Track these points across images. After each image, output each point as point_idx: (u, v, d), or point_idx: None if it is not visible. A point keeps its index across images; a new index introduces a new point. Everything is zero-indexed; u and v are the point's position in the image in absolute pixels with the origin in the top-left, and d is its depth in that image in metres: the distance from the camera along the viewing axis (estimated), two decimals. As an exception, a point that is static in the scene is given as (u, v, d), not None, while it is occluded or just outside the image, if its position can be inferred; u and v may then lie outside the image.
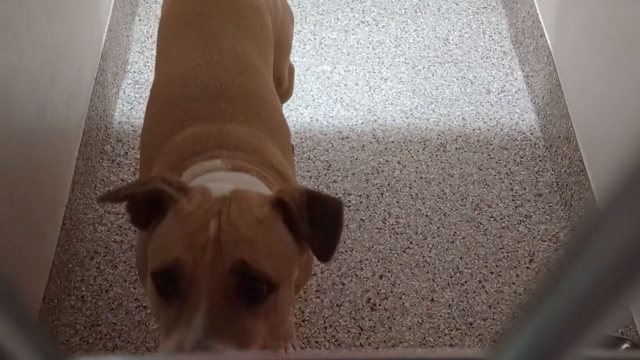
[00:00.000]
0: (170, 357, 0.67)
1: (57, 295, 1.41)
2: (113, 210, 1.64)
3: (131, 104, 1.90)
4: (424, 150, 1.82)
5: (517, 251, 1.60)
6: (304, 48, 2.08)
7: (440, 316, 1.48)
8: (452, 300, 1.51)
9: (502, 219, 1.67)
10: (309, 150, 1.79)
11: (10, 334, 0.20)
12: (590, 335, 0.20)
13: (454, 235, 1.63)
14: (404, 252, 1.59)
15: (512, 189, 1.74)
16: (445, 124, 1.89)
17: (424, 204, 1.69)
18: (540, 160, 1.81)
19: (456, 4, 2.27)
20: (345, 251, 1.58)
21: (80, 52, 1.63)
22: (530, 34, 2.02)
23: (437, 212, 1.67)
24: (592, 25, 1.61)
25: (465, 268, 1.57)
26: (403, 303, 1.50)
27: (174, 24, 1.22)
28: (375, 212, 1.66)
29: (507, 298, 1.52)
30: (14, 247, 1.23)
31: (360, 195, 1.70)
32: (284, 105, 1.65)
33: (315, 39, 2.13)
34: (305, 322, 1.46)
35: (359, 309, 1.48)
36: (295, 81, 1.67)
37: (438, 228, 1.64)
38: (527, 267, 1.57)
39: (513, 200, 1.71)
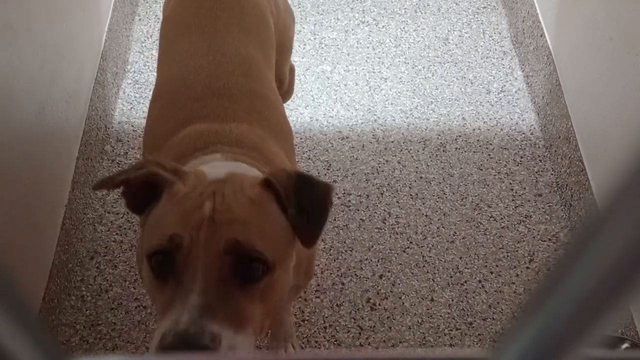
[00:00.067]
0: (170, 357, 0.67)
1: (57, 295, 1.41)
2: (113, 210, 1.64)
3: (131, 103, 1.90)
4: (424, 150, 1.82)
5: (517, 251, 1.60)
6: (304, 48, 2.08)
7: (440, 316, 1.48)
8: (452, 300, 1.51)
9: (502, 218, 1.67)
10: (309, 150, 1.79)
11: (10, 333, 0.20)
12: (590, 335, 0.20)
13: (454, 235, 1.63)
14: (404, 252, 1.59)
15: (512, 189, 1.74)
16: (445, 123, 1.89)
17: (423, 203, 1.69)
18: (540, 160, 1.81)
19: (456, 4, 2.27)
20: (345, 251, 1.58)
21: (80, 52, 1.63)
22: (530, 34, 2.02)
23: (437, 212, 1.67)
24: (592, 25, 1.61)
25: (465, 268, 1.57)
26: (403, 303, 1.50)
27: (176, 25, 1.22)
28: (375, 212, 1.66)
29: (507, 298, 1.52)
30: (14, 247, 1.23)
31: (360, 195, 1.70)
32: (284, 105, 1.65)
33: (315, 39, 2.13)
34: (305, 322, 1.46)
35: (359, 309, 1.48)
36: (295, 81, 1.67)
37: (438, 228, 1.64)
38: (527, 267, 1.57)
39: (513, 200, 1.71)
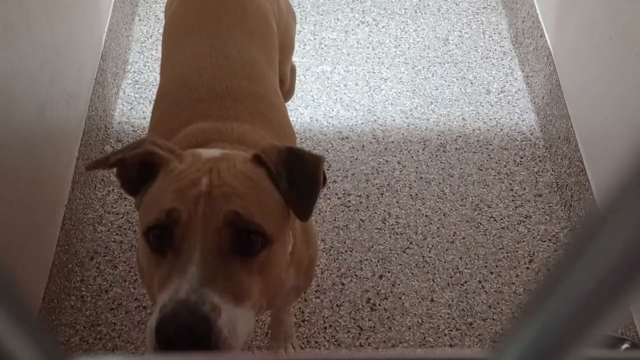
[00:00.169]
0: (170, 357, 0.67)
1: (57, 295, 1.41)
2: (113, 211, 1.64)
3: (131, 104, 1.90)
4: (423, 150, 1.82)
5: (516, 251, 1.60)
6: (304, 48, 2.08)
7: (440, 316, 1.48)
8: (452, 301, 1.51)
9: (501, 219, 1.67)
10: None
11: (10, 333, 0.20)
12: (590, 336, 0.20)
13: (454, 236, 1.63)
14: (404, 252, 1.59)
15: (512, 189, 1.74)
16: (445, 124, 1.89)
17: (423, 204, 1.69)
18: (540, 161, 1.81)
19: (456, 4, 2.27)
20: (345, 251, 1.58)
21: (80, 52, 1.63)
22: (530, 34, 2.02)
23: (437, 212, 1.67)
24: (592, 26, 1.61)
25: (465, 268, 1.57)
26: (403, 303, 1.50)
27: (179, 27, 1.22)
28: (375, 212, 1.66)
29: (506, 298, 1.52)
30: (14, 247, 1.23)
31: (360, 196, 1.70)
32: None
33: (315, 39, 2.13)
34: (305, 322, 1.46)
35: (359, 309, 1.48)
36: (295, 81, 1.67)
37: (438, 228, 1.64)
38: (527, 268, 1.57)
39: (513, 200, 1.71)
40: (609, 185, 0.18)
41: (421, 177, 1.75)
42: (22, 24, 1.26)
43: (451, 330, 1.46)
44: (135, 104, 1.90)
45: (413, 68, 2.05)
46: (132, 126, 1.84)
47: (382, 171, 1.76)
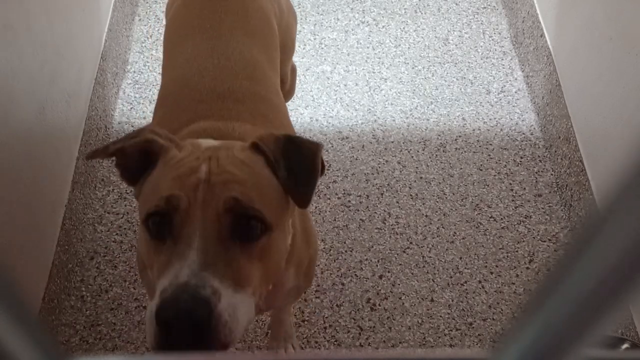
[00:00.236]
0: (170, 356, 0.67)
1: (57, 295, 1.41)
2: (113, 211, 1.64)
3: (131, 104, 1.90)
4: (423, 150, 1.82)
5: (516, 251, 1.60)
6: (304, 48, 2.08)
7: (440, 316, 1.48)
8: (452, 301, 1.51)
9: (501, 219, 1.67)
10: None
11: (10, 333, 0.20)
12: (590, 336, 0.20)
13: (454, 236, 1.63)
14: (404, 252, 1.59)
15: (511, 189, 1.74)
16: (445, 124, 1.89)
17: (423, 204, 1.69)
18: (540, 161, 1.81)
19: (456, 4, 2.27)
20: (345, 251, 1.58)
21: (80, 52, 1.63)
22: (530, 34, 2.02)
23: (437, 212, 1.67)
24: (592, 26, 1.61)
25: (465, 268, 1.57)
26: (403, 303, 1.50)
27: (180, 29, 1.22)
28: (375, 212, 1.66)
29: (506, 298, 1.52)
30: (14, 247, 1.23)
31: (360, 196, 1.70)
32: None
33: (315, 39, 2.13)
34: (305, 322, 1.46)
35: (359, 309, 1.48)
36: (296, 81, 1.67)
37: (438, 228, 1.64)
38: (527, 268, 1.57)
39: (513, 200, 1.71)
40: (609, 185, 0.18)
41: (421, 177, 1.75)
42: (22, 24, 1.26)
43: (451, 330, 1.46)
44: (135, 104, 1.90)
45: (413, 68, 2.05)
46: (132, 126, 1.84)
47: (382, 171, 1.76)
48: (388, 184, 1.73)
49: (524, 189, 1.74)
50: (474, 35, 2.17)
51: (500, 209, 1.69)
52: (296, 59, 2.01)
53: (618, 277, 0.18)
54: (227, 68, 1.10)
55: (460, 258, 1.58)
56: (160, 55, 1.92)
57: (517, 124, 1.90)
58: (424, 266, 1.56)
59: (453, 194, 1.72)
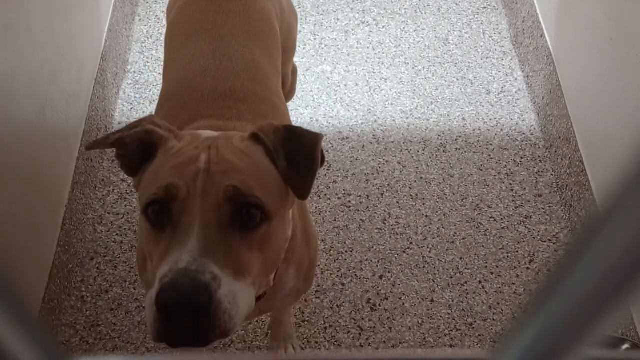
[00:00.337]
0: (170, 356, 0.67)
1: (57, 295, 1.41)
2: (113, 211, 1.64)
3: (131, 104, 1.90)
4: (424, 150, 1.82)
5: (517, 252, 1.60)
6: (304, 48, 2.08)
7: (440, 317, 1.48)
8: (452, 301, 1.51)
9: (502, 219, 1.67)
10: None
11: (10, 333, 0.20)
12: (591, 336, 0.20)
13: (454, 236, 1.63)
14: (404, 252, 1.59)
15: (512, 190, 1.74)
16: (445, 124, 1.89)
17: (424, 204, 1.69)
18: (540, 161, 1.81)
19: (456, 4, 2.27)
20: (346, 252, 1.58)
21: (80, 52, 1.63)
22: (530, 34, 2.02)
23: (437, 212, 1.67)
24: (592, 26, 1.61)
25: (465, 268, 1.57)
26: (403, 303, 1.50)
27: (182, 29, 1.22)
28: (376, 213, 1.66)
29: (507, 299, 1.52)
30: (14, 247, 1.23)
31: (360, 196, 1.70)
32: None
33: (315, 39, 2.13)
34: (305, 323, 1.46)
35: (359, 310, 1.48)
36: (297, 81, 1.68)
37: (438, 228, 1.64)
38: (527, 268, 1.57)
39: (513, 200, 1.71)
40: (609, 185, 0.18)
41: (421, 177, 1.75)
42: (22, 24, 1.26)
43: (451, 331, 1.46)
44: (135, 104, 1.90)
45: (413, 68, 2.05)
46: (132, 126, 1.84)
47: (383, 171, 1.76)
48: (388, 184, 1.73)
49: (524, 189, 1.74)
50: (474, 36, 2.17)
51: (501, 209, 1.69)
52: (296, 59, 2.01)
53: (618, 277, 0.18)
54: (229, 69, 1.11)
55: (461, 258, 1.58)
56: (161, 55, 1.92)
57: (517, 124, 1.90)
58: (424, 266, 1.56)
59: (453, 194, 1.72)
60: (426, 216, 1.66)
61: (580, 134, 1.66)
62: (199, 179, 0.73)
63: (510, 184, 1.75)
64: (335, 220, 1.64)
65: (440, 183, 1.74)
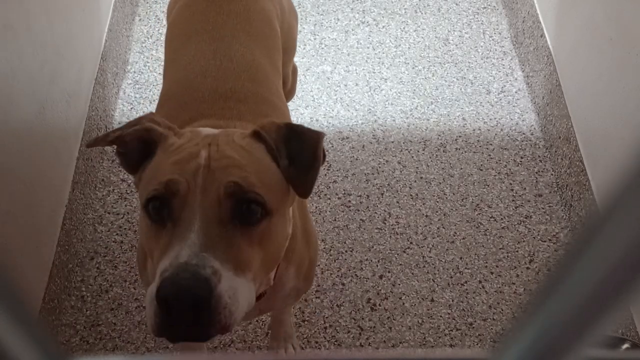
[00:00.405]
0: (171, 356, 0.67)
1: (57, 295, 1.41)
2: (113, 211, 1.64)
3: (131, 104, 1.90)
4: (424, 150, 1.82)
5: (517, 251, 1.60)
6: (304, 48, 2.08)
7: (440, 316, 1.48)
8: (452, 301, 1.51)
9: (502, 219, 1.67)
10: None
11: (10, 333, 0.20)
12: (591, 336, 0.20)
13: (454, 236, 1.63)
14: (404, 252, 1.59)
15: (512, 189, 1.74)
16: (445, 124, 1.89)
17: (424, 204, 1.69)
18: (541, 161, 1.81)
19: (456, 4, 2.27)
20: (345, 251, 1.58)
21: (80, 52, 1.63)
22: (530, 34, 2.02)
23: (437, 212, 1.67)
24: (592, 26, 1.61)
25: (466, 268, 1.57)
26: (403, 303, 1.50)
27: (182, 31, 1.22)
28: (376, 213, 1.66)
29: (507, 298, 1.52)
30: (14, 247, 1.23)
31: (360, 196, 1.70)
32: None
33: (315, 39, 2.13)
34: (305, 322, 1.46)
35: (359, 309, 1.48)
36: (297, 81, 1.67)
37: (438, 228, 1.64)
38: (527, 268, 1.57)
39: (513, 200, 1.71)
40: (609, 185, 0.18)
41: (421, 177, 1.75)
42: (22, 24, 1.26)
43: (451, 331, 1.46)
44: (135, 104, 1.90)
45: (413, 68, 2.05)
46: (132, 126, 1.84)
47: (383, 171, 1.76)
48: (388, 184, 1.73)
49: (524, 189, 1.74)
50: (474, 35, 2.17)
51: (501, 209, 1.69)
52: (296, 59, 2.01)
53: (618, 277, 0.18)
54: (230, 69, 1.11)
55: (461, 258, 1.58)
56: (161, 55, 1.92)
57: (517, 124, 1.90)
58: (424, 266, 1.56)
59: (453, 194, 1.72)
60: (426, 216, 1.66)
61: (580, 134, 1.66)
62: (199, 175, 0.73)
63: (510, 184, 1.75)
64: (335, 220, 1.64)
65: (440, 183, 1.74)
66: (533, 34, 2.00)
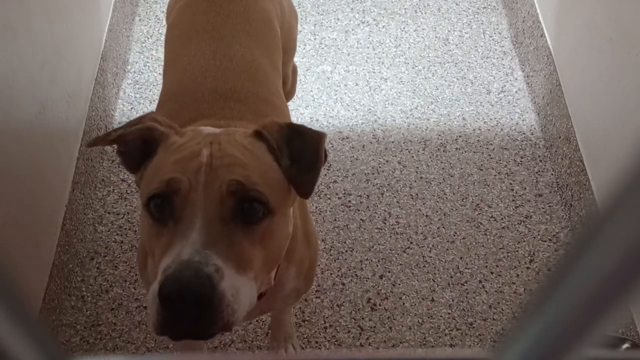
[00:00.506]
0: (170, 356, 0.67)
1: (57, 295, 1.41)
2: (113, 211, 1.64)
3: (131, 104, 1.90)
4: (424, 150, 1.82)
5: (517, 251, 1.60)
6: (304, 48, 2.08)
7: (441, 316, 1.48)
8: (453, 301, 1.51)
9: (502, 219, 1.67)
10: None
11: (10, 333, 0.20)
12: (591, 336, 0.20)
13: (454, 236, 1.63)
14: (404, 252, 1.59)
15: (512, 189, 1.74)
16: (445, 124, 1.89)
17: (424, 204, 1.69)
18: (541, 161, 1.81)
19: (456, 4, 2.27)
20: (346, 251, 1.58)
21: (80, 52, 1.63)
22: (530, 34, 2.02)
23: (437, 212, 1.67)
24: (592, 26, 1.61)
25: (466, 268, 1.57)
26: (403, 303, 1.50)
27: (182, 31, 1.22)
28: (376, 212, 1.66)
29: (507, 298, 1.52)
30: (14, 247, 1.23)
31: (360, 196, 1.70)
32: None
33: (315, 39, 2.13)
34: (306, 322, 1.46)
35: (359, 309, 1.48)
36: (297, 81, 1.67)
37: (438, 228, 1.64)
38: (528, 267, 1.57)
39: (513, 200, 1.71)
40: (609, 185, 0.18)
41: (421, 177, 1.75)
42: (22, 24, 1.26)
43: (452, 330, 1.46)
44: (135, 104, 1.90)
45: (413, 68, 2.05)
46: (133, 126, 1.84)
47: (383, 171, 1.76)
48: (388, 184, 1.73)
49: (525, 188, 1.74)
50: (474, 35, 2.17)
51: (501, 208, 1.69)
52: (296, 59, 2.01)
53: (619, 277, 0.18)
54: (230, 69, 1.11)
55: (461, 258, 1.58)
56: (161, 55, 1.92)
57: (517, 123, 1.90)
58: (424, 266, 1.56)
59: (453, 193, 1.72)
60: (426, 216, 1.66)
61: (580, 134, 1.66)
62: (201, 174, 0.73)
63: (511, 184, 1.75)
64: (335, 219, 1.64)
65: (440, 183, 1.74)
66: (533, 34, 2.00)
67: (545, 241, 1.63)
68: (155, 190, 0.74)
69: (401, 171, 1.76)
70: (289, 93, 1.58)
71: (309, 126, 0.84)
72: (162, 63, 1.29)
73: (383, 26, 2.19)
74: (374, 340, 1.44)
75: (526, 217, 1.67)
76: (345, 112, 1.90)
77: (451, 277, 1.55)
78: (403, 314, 1.48)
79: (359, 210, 1.66)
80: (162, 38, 1.84)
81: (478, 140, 1.85)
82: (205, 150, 0.75)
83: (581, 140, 1.65)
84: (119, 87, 1.93)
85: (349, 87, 1.98)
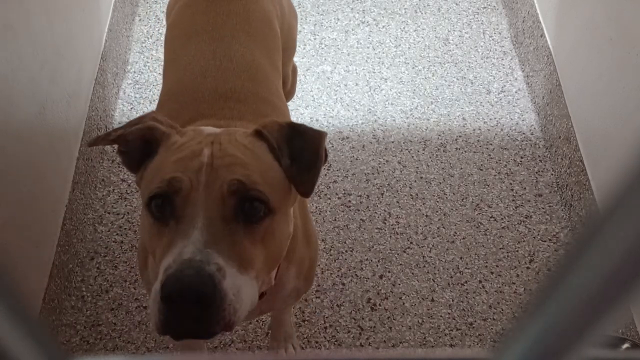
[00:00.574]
0: (170, 357, 0.67)
1: (57, 295, 1.41)
2: (113, 211, 1.64)
3: (131, 104, 1.90)
4: (424, 150, 1.82)
5: (517, 251, 1.60)
6: (304, 48, 2.08)
7: (441, 316, 1.48)
8: (452, 301, 1.51)
9: (502, 219, 1.67)
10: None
11: (10, 333, 0.20)
12: (591, 336, 0.20)
13: (454, 235, 1.63)
14: (404, 252, 1.59)
15: (512, 189, 1.74)
16: (445, 124, 1.89)
17: (424, 204, 1.69)
18: (541, 161, 1.81)
19: (456, 4, 2.27)
20: (346, 251, 1.58)
21: (80, 52, 1.63)
22: (530, 34, 2.02)
23: (437, 212, 1.67)
24: (592, 26, 1.61)
25: (466, 268, 1.57)
26: (403, 303, 1.50)
27: (182, 31, 1.22)
28: (376, 212, 1.66)
29: (507, 298, 1.52)
30: (14, 247, 1.23)
31: (360, 196, 1.70)
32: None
33: (315, 39, 2.13)
34: (306, 322, 1.46)
35: (359, 309, 1.48)
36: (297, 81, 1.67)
37: (438, 228, 1.64)
38: (528, 267, 1.57)
39: (513, 200, 1.71)
40: (609, 185, 0.18)
41: (421, 177, 1.75)
42: (22, 24, 1.26)
43: (451, 330, 1.46)
44: (135, 104, 1.90)
45: (413, 68, 2.05)
46: (133, 126, 1.84)
47: (383, 171, 1.76)
48: (388, 184, 1.73)
49: (525, 188, 1.74)
50: (474, 35, 2.17)
51: (501, 208, 1.69)
52: (296, 59, 2.01)
53: (619, 277, 0.18)
54: (229, 70, 1.11)
55: (461, 258, 1.58)
56: (161, 55, 1.92)
57: (517, 123, 1.90)
58: (424, 266, 1.56)
59: (453, 193, 1.72)
60: (426, 216, 1.66)
61: (580, 134, 1.66)
62: (202, 173, 0.73)
63: (511, 184, 1.75)
64: (335, 219, 1.64)
65: (440, 183, 1.74)
66: (533, 34, 2.00)
67: (545, 241, 1.63)
68: (157, 190, 0.74)
69: (401, 171, 1.76)
70: (289, 93, 1.59)
71: (310, 126, 0.84)
72: (162, 63, 1.29)
73: (383, 26, 2.19)
74: (374, 340, 1.44)
75: (526, 217, 1.67)
76: (345, 112, 1.90)
77: (451, 277, 1.55)
78: (403, 314, 1.48)
79: (359, 210, 1.66)
80: (162, 38, 1.84)
81: (478, 140, 1.85)
82: (206, 150, 0.75)
83: (581, 140, 1.65)
84: (119, 87, 1.93)
85: (349, 87, 1.98)
